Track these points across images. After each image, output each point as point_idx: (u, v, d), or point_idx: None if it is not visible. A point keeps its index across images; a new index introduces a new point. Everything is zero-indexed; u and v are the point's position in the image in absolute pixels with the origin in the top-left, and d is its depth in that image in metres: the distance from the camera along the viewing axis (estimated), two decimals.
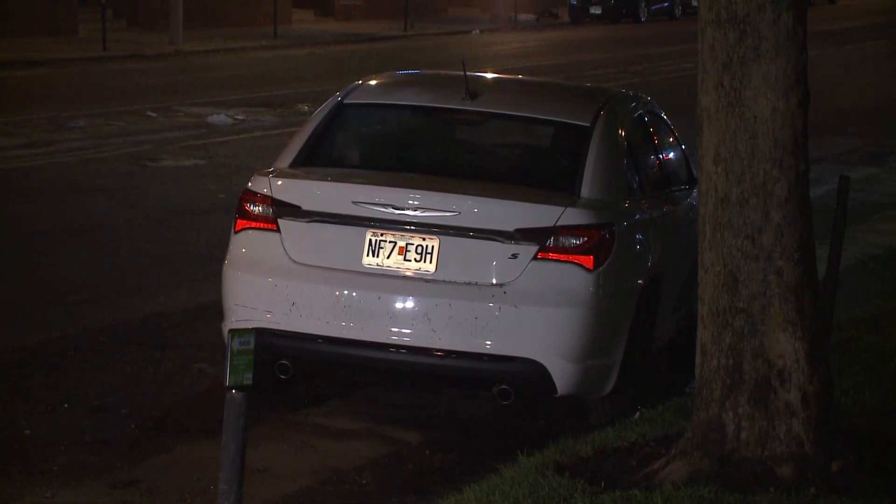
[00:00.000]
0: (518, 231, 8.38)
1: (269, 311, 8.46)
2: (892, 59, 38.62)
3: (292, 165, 8.95)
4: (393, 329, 8.40)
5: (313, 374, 9.13)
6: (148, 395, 9.18)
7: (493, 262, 8.38)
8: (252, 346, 5.29)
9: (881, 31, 49.34)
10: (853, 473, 7.13)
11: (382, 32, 42.59)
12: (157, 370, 9.70)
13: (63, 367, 9.64)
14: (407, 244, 8.45)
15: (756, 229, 7.20)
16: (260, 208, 8.64)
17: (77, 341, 10.22)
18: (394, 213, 8.46)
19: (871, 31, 49.19)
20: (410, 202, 8.47)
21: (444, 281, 8.39)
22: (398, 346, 8.40)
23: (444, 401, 9.35)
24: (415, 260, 8.44)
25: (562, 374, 8.34)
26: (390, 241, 8.46)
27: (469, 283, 8.38)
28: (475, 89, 9.31)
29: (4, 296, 11.36)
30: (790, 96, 7.20)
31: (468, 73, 9.35)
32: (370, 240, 8.47)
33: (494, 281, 8.37)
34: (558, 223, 8.39)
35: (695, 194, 8.60)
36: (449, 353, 8.36)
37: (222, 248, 8.88)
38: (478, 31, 45.53)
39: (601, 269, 8.40)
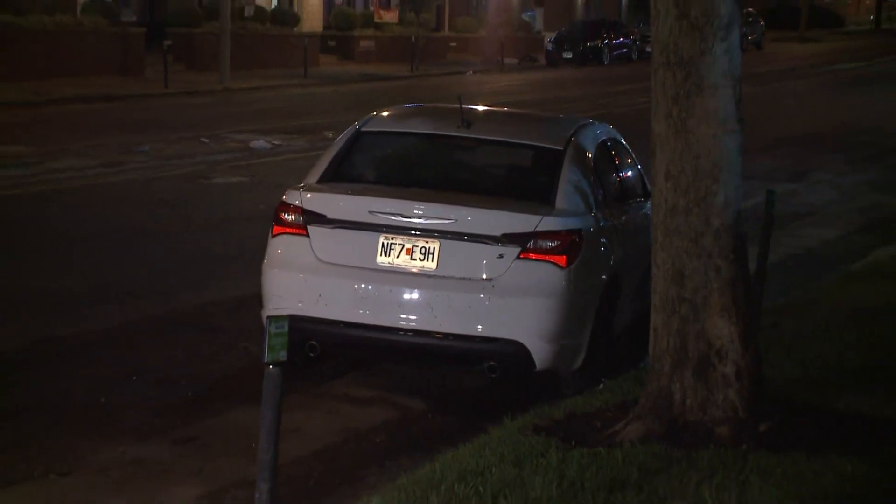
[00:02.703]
0: (504, 235, 8.38)
1: (300, 301, 8.47)
2: (811, 97, 38.69)
3: (319, 181, 8.96)
4: (401, 316, 8.40)
5: (336, 352, 9.13)
6: (202, 369, 9.20)
7: (484, 260, 8.38)
8: (286, 329, 5.29)
9: (801, 72, 49.44)
10: (778, 433, 7.15)
11: (393, 73, 42.61)
12: (209, 349, 9.71)
13: (132, 347, 9.66)
14: (413, 246, 8.45)
15: (699, 233, 7.21)
16: (293, 217, 8.65)
17: (143, 326, 10.25)
18: (402, 221, 8.47)
19: (793, 73, 49.25)
20: (416, 212, 8.48)
21: (443, 276, 8.40)
22: (406, 330, 8.40)
23: (444, 375, 9.36)
24: (419, 259, 8.44)
25: (540, 352, 8.35)
26: (399, 244, 8.46)
27: (464, 279, 8.38)
28: (469, 119, 9.33)
29: (82, 289, 11.37)
30: (727, 124, 7.21)
31: (463, 107, 9.35)
32: (383, 242, 8.48)
33: (485, 276, 8.37)
34: (537, 229, 8.40)
35: (649, 205, 8.59)
36: (447, 336, 8.37)
37: (262, 249, 8.88)
38: (471, 72, 45.56)
39: (572, 266, 8.41)
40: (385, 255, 8.47)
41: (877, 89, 41.07)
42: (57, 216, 14.96)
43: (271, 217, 8.86)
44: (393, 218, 8.48)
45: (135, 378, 8.87)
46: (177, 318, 10.53)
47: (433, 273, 8.41)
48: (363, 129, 9.40)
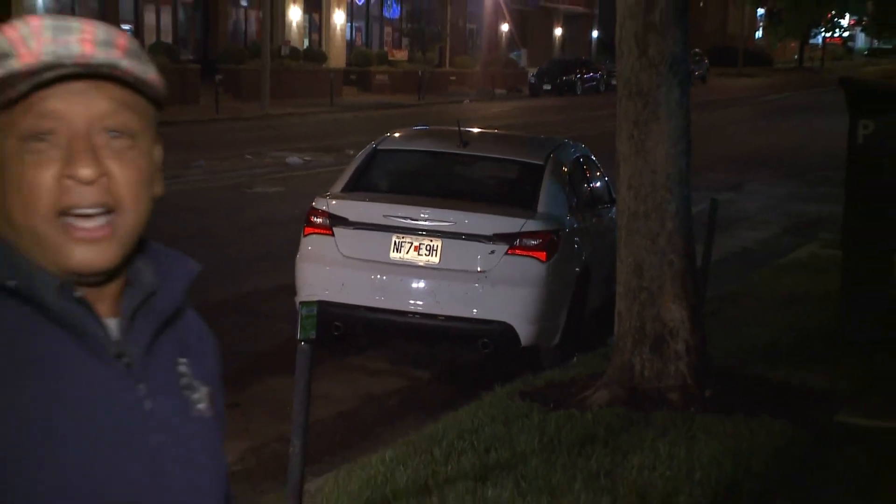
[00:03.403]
0: (495, 235, 8.38)
1: (326, 289, 8.46)
2: (747, 122, 38.65)
3: (343, 191, 8.96)
4: (410, 301, 8.40)
5: (356, 331, 9.12)
6: (245, 346, 9.18)
7: (478, 256, 8.38)
8: (315, 312, 5.27)
9: (740, 103, 49.38)
10: (720, 399, 7.15)
11: (403, 102, 42.54)
12: (251, 330, 9.70)
13: None
14: (420, 244, 8.44)
15: (655, 234, 7.21)
16: (321, 220, 8.64)
17: (195, 310, 10.19)
18: (411, 223, 8.46)
19: (733, 103, 49.20)
20: (422, 215, 8.47)
21: (445, 269, 8.39)
22: (414, 313, 8.40)
23: (446, 350, 9.35)
24: (425, 255, 8.43)
25: (524, 332, 8.35)
26: (408, 242, 8.46)
27: (462, 271, 8.38)
28: (466, 139, 9.33)
29: None
30: (678, 145, 7.21)
31: (461, 129, 9.35)
32: (395, 241, 8.47)
33: (479, 269, 8.37)
34: (522, 230, 8.40)
35: (614, 210, 8.59)
36: (448, 318, 8.37)
37: (295, 246, 8.87)
38: (468, 100, 45.47)
39: (551, 261, 8.41)
40: (397, 252, 8.47)
41: (800, 116, 41.04)
42: None
43: (303, 220, 8.86)
44: (403, 221, 8.48)
45: None
46: (225, 304, 10.50)
47: (436, 266, 8.41)
48: (379, 147, 9.39)
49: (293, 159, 22.65)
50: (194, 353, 1.62)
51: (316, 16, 46.14)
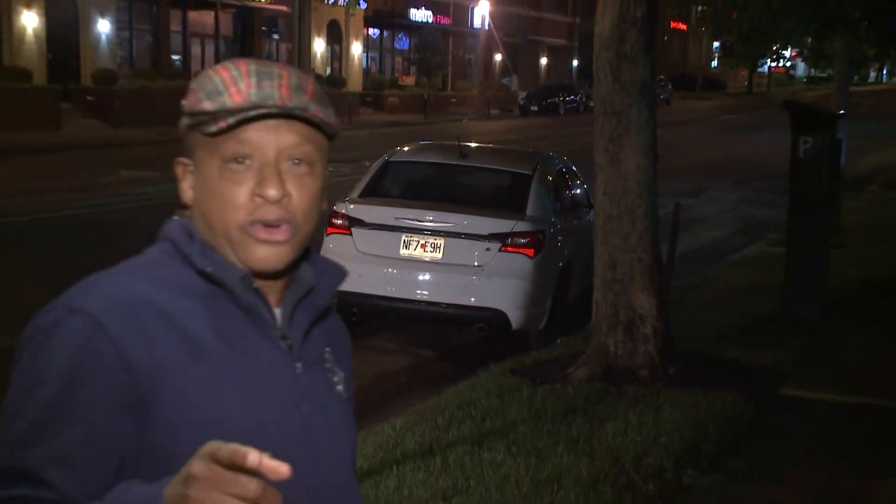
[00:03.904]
0: (490, 235, 8.36)
1: (345, 281, 8.42)
2: (704, 138, 38.61)
3: (359, 196, 8.94)
4: (418, 291, 8.37)
5: (371, 317, 9.09)
6: None
7: (476, 252, 8.36)
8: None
9: (699, 122, 49.32)
10: (682, 375, 7.12)
11: (411, 121, 42.48)
12: None
13: None
14: (426, 242, 8.42)
15: (627, 234, 7.18)
16: (340, 221, 8.62)
17: None
18: (418, 224, 8.44)
19: (695, 122, 49.13)
20: (427, 218, 8.45)
21: (447, 264, 8.37)
22: (420, 301, 8.37)
23: (448, 333, 9.32)
24: (430, 251, 8.41)
25: (515, 317, 8.32)
26: (416, 240, 8.43)
27: (462, 265, 8.35)
28: (465, 152, 9.30)
29: None
30: (647, 157, 7.18)
31: (461, 143, 9.32)
32: (404, 240, 8.44)
33: (476, 264, 8.34)
34: (513, 230, 8.37)
35: (592, 214, 8.56)
36: (450, 305, 8.35)
37: (317, 245, 8.84)
38: (467, 119, 45.40)
39: (538, 256, 8.38)
40: (406, 248, 8.44)
41: (749, 133, 40.98)
42: None
43: (325, 221, 8.83)
44: (411, 222, 8.45)
45: None
46: None
47: (440, 261, 8.38)
48: (390, 159, 9.37)
49: None
50: (336, 346, 1.74)
51: (337, 47, 46.13)
